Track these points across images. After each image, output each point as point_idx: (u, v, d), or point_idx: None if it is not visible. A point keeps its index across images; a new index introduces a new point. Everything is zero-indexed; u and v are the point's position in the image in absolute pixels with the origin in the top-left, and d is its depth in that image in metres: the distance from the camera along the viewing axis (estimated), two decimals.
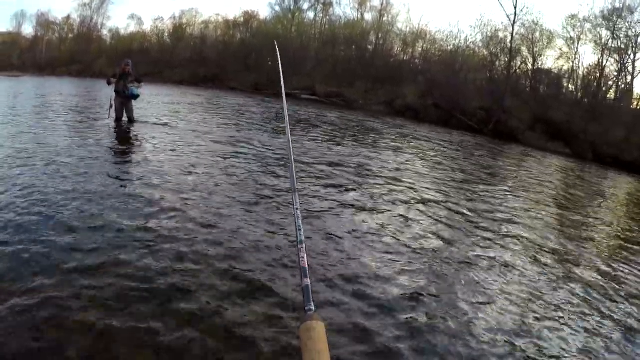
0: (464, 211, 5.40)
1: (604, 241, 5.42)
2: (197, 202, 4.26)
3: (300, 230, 0.52)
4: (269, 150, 7.62)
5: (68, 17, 44.42)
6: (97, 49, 39.86)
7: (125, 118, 8.86)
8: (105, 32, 44.20)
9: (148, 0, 65.79)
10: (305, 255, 0.50)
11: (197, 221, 3.73)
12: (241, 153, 7.12)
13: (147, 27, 43.66)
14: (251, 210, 4.21)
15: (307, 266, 0.48)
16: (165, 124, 9.38)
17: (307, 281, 0.46)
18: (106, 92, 9.69)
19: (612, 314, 3.22)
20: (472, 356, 2.38)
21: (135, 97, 8.79)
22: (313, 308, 0.45)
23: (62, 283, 2.49)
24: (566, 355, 2.58)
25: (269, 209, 4.33)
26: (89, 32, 42.98)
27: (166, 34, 41.59)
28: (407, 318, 2.64)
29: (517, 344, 2.58)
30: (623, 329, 3.02)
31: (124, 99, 8.72)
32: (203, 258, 3.04)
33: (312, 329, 0.41)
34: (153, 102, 14.06)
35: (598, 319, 3.10)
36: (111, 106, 8.86)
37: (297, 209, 0.55)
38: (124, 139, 7.65)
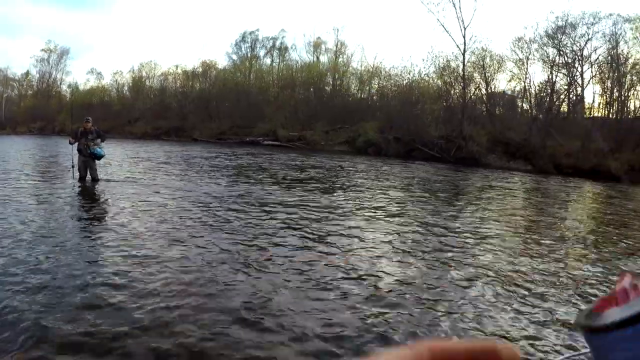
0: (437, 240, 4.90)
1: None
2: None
3: None
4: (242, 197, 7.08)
5: (27, 73, 43.67)
6: (57, 104, 39.11)
7: (89, 177, 8.66)
8: (64, 87, 43.56)
9: (107, 54, 66.22)
10: None
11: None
12: (207, 205, 6.91)
13: (107, 81, 43.36)
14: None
15: None
16: (129, 181, 9.12)
17: None
18: (69, 151, 9.49)
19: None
20: None
21: (99, 157, 8.64)
22: None
23: None
24: None
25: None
26: (48, 88, 42.25)
27: (126, 88, 41.29)
28: None
29: None
30: None
31: (87, 158, 8.56)
32: None
33: None
34: (116, 158, 13.77)
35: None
36: (73, 166, 8.81)
37: None
38: (88, 199, 7.43)
